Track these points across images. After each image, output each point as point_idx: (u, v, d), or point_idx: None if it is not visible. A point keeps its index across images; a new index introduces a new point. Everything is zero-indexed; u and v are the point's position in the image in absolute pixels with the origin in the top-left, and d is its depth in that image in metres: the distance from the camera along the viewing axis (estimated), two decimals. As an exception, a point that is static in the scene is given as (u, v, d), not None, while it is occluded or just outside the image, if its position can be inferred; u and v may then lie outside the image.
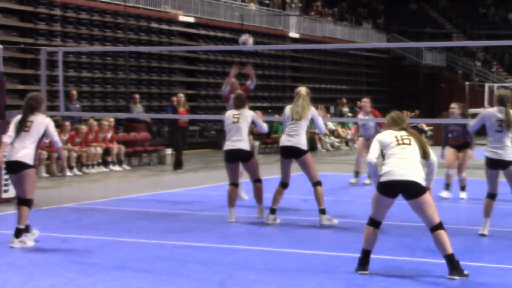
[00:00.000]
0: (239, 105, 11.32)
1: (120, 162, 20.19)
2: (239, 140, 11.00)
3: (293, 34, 35.71)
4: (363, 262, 7.68)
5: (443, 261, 7.52)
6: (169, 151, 22.39)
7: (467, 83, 41.23)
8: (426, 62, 44.78)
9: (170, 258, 8.55)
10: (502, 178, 9.83)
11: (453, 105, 13.85)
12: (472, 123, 10.42)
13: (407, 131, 7.76)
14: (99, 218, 11.73)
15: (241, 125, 11.07)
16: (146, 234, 10.07)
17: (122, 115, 23.59)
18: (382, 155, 7.72)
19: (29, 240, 9.11)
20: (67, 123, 19.12)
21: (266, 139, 27.89)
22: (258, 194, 11.25)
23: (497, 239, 9.90)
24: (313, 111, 11.22)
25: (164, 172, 19.94)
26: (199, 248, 9.29)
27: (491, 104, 35.00)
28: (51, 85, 20.40)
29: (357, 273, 7.63)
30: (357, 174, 16.47)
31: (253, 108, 32.79)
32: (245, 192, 13.47)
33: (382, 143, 7.73)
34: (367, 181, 15.89)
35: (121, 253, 8.81)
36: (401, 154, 7.57)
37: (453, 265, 7.39)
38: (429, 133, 31.20)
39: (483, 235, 9.95)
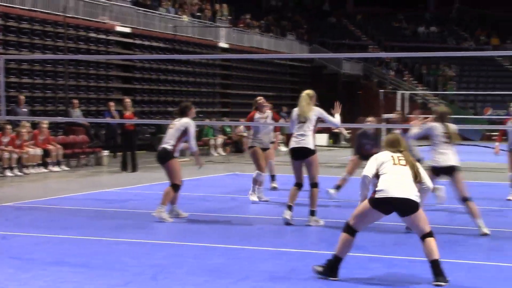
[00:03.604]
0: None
1: (59, 163, 19.89)
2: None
3: (223, 44, 35.70)
4: (334, 269, 7.14)
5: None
6: (105, 152, 22.21)
7: (381, 90, 41.69)
8: (345, 71, 45.24)
9: (106, 253, 8.42)
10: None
11: (370, 118, 13.91)
12: (415, 132, 10.69)
13: (403, 153, 7.40)
14: (38, 216, 11.51)
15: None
16: (83, 231, 9.91)
17: (61, 119, 23.32)
18: (377, 175, 7.31)
19: None
20: (9, 126, 18.78)
21: (198, 141, 27.77)
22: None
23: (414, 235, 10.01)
24: (317, 111, 10.86)
25: (101, 173, 19.72)
26: (134, 244, 9.18)
27: (403, 110, 35.50)
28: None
29: (326, 279, 7.10)
30: (272, 177, 15.53)
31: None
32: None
33: (378, 161, 7.35)
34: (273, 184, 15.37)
35: (58, 249, 8.65)
36: (397, 172, 7.21)
37: (439, 271, 7.01)
38: (347, 136, 31.44)
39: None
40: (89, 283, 6.96)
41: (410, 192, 7.12)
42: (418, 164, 7.42)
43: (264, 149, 13.56)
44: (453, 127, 10.44)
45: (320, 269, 7.17)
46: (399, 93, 39.33)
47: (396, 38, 52.00)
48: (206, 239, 9.46)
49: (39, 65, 24.88)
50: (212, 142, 27.73)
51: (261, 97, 13.77)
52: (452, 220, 11.48)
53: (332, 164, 22.48)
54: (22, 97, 21.17)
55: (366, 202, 7.18)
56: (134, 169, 19.54)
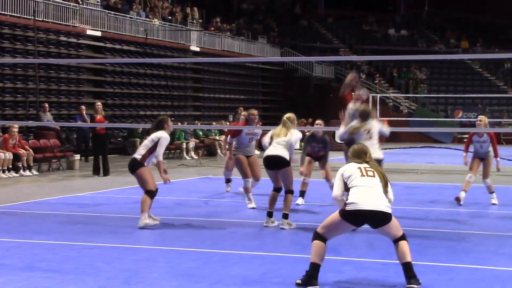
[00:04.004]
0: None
1: (30, 168, 19.75)
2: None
3: (194, 47, 35.66)
4: (313, 277, 7.01)
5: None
6: (77, 156, 22.10)
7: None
8: (316, 74, 45.39)
9: (78, 258, 8.38)
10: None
11: (318, 121, 13.81)
12: (341, 132, 10.90)
13: (369, 163, 7.30)
14: (9, 221, 11.41)
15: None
16: (54, 236, 9.85)
17: (32, 123, 23.17)
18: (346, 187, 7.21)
19: None
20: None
21: (169, 145, 27.73)
22: None
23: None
24: (294, 135, 10.86)
25: (72, 177, 19.60)
26: (105, 248, 9.14)
27: (377, 112, 35.64)
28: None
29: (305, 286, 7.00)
30: (227, 181, 15.40)
31: (156, 117, 32.52)
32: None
33: (345, 175, 7.20)
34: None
35: (30, 254, 8.59)
36: (366, 184, 7.07)
37: (411, 273, 6.98)
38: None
39: None
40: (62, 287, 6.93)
41: (381, 203, 7.03)
42: (386, 176, 7.32)
43: (248, 156, 13.26)
44: (375, 124, 10.90)
45: (299, 281, 7.04)
46: (370, 96, 39.63)
47: (367, 41, 52.31)
48: (178, 243, 9.45)
49: (9, 69, 24.68)
50: (184, 145, 27.69)
51: (255, 111, 13.58)
52: (424, 223, 11.56)
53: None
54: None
55: (336, 213, 7.10)
56: (106, 173, 19.46)
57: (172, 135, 28.05)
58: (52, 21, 26.97)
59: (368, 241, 9.71)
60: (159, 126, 11.03)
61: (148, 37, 32.03)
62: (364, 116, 10.90)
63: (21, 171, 19.41)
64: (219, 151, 28.56)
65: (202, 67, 36.31)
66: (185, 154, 27.53)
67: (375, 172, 7.21)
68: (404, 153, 29.85)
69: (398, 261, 7.11)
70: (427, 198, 14.81)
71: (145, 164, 10.79)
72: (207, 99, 36.54)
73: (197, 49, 35.78)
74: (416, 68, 49.53)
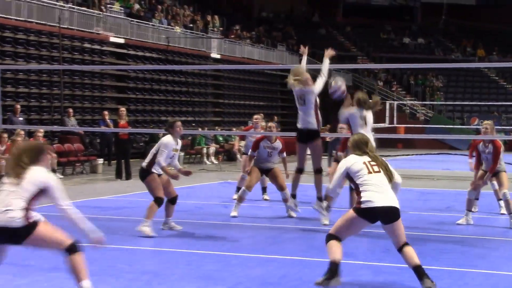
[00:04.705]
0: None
1: (54, 171, 19.88)
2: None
3: (215, 55, 35.74)
4: (335, 274, 6.92)
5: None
6: (100, 160, 22.22)
7: (370, 100, 41.87)
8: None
9: (101, 260, 8.43)
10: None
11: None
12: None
13: (370, 155, 7.23)
14: (34, 223, 11.47)
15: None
16: (78, 238, 9.89)
17: (57, 128, 23.33)
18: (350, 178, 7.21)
19: None
20: (5, 135, 18.78)
21: (190, 150, 27.90)
22: None
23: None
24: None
25: (96, 181, 19.70)
26: (128, 250, 9.20)
27: (392, 118, 35.36)
28: (-11, 100, 20.00)
29: (328, 285, 6.88)
30: (238, 189, 14.47)
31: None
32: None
33: (352, 171, 7.13)
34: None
35: (54, 256, 8.61)
36: (375, 182, 7.04)
37: (425, 275, 6.91)
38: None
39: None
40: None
41: (393, 199, 7.05)
42: (388, 164, 7.29)
43: (267, 170, 12.84)
44: (369, 114, 10.73)
45: (321, 279, 6.94)
46: (387, 103, 39.53)
47: (384, 49, 52.20)
48: (199, 246, 9.49)
49: (34, 75, 24.87)
50: (204, 150, 27.77)
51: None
52: (439, 228, 11.54)
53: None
54: (18, 106, 21.26)
55: (351, 211, 7.08)
56: (128, 177, 19.55)
57: (193, 140, 28.15)
58: (77, 28, 27.16)
59: (385, 246, 9.70)
60: (167, 131, 10.81)
61: (170, 44, 32.15)
62: (360, 103, 10.75)
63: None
64: (238, 156, 28.60)
65: (222, 73, 36.39)
66: (205, 159, 27.59)
67: (379, 166, 7.18)
68: (421, 160, 29.78)
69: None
70: (443, 204, 14.77)
71: (153, 170, 10.49)
72: (227, 105, 36.61)
73: (218, 56, 35.87)
74: (433, 76, 49.38)
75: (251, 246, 9.65)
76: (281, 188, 12.66)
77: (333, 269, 6.94)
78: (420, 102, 46.08)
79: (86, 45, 27.38)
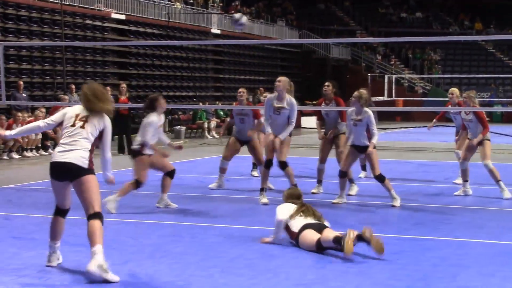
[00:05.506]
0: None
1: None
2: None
3: (215, 30, 35.59)
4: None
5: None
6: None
7: (369, 74, 41.84)
8: (333, 56, 45.21)
9: (104, 233, 8.35)
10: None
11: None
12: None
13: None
14: (38, 197, 11.50)
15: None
16: (82, 212, 9.86)
17: (60, 104, 23.22)
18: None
19: None
20: (3, 117, 18.80)
21: (192, 125, 27.90)
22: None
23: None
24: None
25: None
26: (131, 223, 9.20)
27: (390, 92, 35.26)
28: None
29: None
30: (254, 165, 14.59)
31: (178, 97, 32.44)
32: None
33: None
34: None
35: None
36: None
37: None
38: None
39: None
40: (88, 262, 6.98)
41: None
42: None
43: (245, 141, 12.67)
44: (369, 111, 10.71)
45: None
46: (386, 76, 39.45)
47: (382, 23, 51.95)
48: (201, 219, 9.49)
49: (37, 51, 24.80)
50: (205, 125, 27.73)
51: (241, 89, 13.39)
52: (438, 199, 11.52)
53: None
54: (21, 83, 21.17)
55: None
56: (130, 152, 19.49)
57: (194, 115, 28.10)
58: (78, 5, 27.05)
59: (385, 217, 9.71)
60: (150, 107, 10.37)
61: (170, 20, 32.01)
62: (362, 101, 10.68)
63: (50, 150, 19.53)
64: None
65: (223, 49, 36.28)
66: (206, 133, 27.57)
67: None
68: (419, 132, 29.73)
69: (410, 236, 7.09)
70: (441, 175, 14.74)
71: (145, 152, 10.23)
72: (227, 80, 36.51)
73: (218, 31, 35.71)
74: (431, 50, 49.19)
75: (251, 218, 9.64)
76: (258, 162, 12.63)
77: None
78: (418, 76, 45.96)
79: (88, 21, 27.27)
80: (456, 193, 11.88)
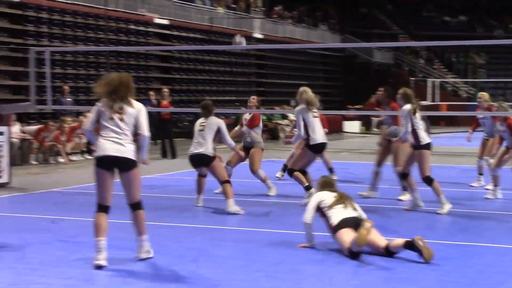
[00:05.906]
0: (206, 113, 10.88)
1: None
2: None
3: (257, 34, 35.66)
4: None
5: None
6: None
7: (412, 78, 41.49)
8: (376, 60, 44.96)
9: (149, 237, 8.48)
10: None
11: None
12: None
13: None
14: (84, 201, 11.60)
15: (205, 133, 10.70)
16: (126, 216, 9.97)
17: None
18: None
19: None
20: (51, 123, 19.14)
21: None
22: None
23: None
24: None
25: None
26: (174, 227, 9.26)
27: (434, 96, 34.91)
28: (39, 81, 20.13)
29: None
30: (285, 166, 14.70)
31: (220, 102, 32.47)
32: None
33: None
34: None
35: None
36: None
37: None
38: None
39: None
40: (133, 265, 7.05)
41: None
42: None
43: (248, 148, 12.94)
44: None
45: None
46: (429, 81, 39.11)
47: (425, 27, 51.49)
48: (245, 224, 9.50)
49: (82, 56, 25.08)
50: (247, 129, 27.73)
51: (252, 97, 13.73)
52: (483, 205, 11.39)
53: (364, 151, 22.40)
54: (66, 87, 21.51)
55: None
56: (173, 156, 19.65)
57: (237, 119, 28.09)
58: (122, 10, 27.31)
59: (429, 223, 9.63)
60: (211, 111, 10.88)
61: (213, 24, 32.15)
62: (407, 98, 10.64)
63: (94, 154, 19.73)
64: (281, 135, 28.56)
65: (265, 53, 36.31)
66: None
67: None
68: (463, 137, 29.38)
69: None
70: (486, 181, 14.54)
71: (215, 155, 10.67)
72: (270, 85, 36.52)
73: (260, 36, 35.77)
74: (475, 53, 48.65)
75: (296, 223, 9.63)
76: (251, 170, 12.64)
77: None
78: (462, 80, 45.48)
79: (132, 26, 27.53)
80: (486, 195, 11.96)
